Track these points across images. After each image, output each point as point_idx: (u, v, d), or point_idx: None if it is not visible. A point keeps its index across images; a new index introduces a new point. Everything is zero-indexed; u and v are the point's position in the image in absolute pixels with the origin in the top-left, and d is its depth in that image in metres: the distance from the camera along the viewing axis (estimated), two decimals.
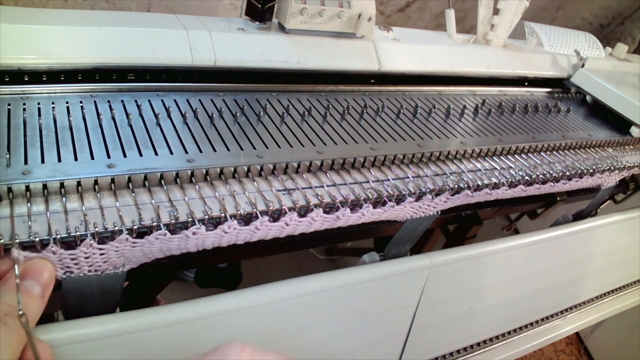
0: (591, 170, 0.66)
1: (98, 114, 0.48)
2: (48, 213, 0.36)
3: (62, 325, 0.38)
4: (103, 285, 0.39)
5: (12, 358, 0.28)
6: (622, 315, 1.02)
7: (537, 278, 0.78)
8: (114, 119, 0.48)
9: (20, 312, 0.28)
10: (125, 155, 0.43)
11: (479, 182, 0.55)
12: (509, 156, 0.63)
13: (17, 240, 0.33)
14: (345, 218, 0.47)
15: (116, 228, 0.36)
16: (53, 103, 0.48)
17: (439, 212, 0.55)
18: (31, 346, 0.29)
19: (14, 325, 0.29)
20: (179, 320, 0.43)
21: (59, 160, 0.41)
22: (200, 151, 0.47)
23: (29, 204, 0.37)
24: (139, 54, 0.54)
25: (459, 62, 0.80)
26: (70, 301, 0.39)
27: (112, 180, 0.40)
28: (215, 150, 0.47)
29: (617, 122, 0.82)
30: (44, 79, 0.50)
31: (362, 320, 0.57)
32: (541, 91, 0.89)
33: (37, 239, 0.34)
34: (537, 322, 0.86)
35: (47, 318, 0.37)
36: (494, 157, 0.62)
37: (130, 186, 0.41)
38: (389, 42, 0.74)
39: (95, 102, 0.50)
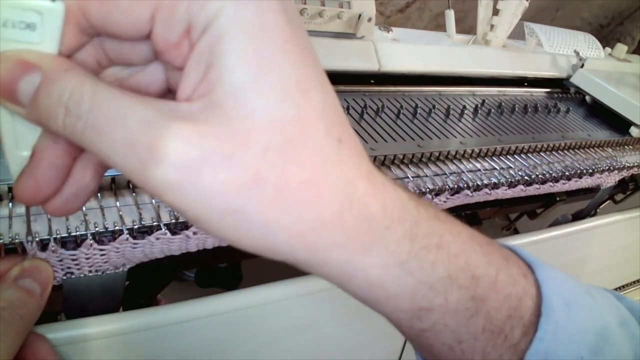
0: (590, 170, 0.66)
1: None
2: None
3: (62, 325, 0.38)
4: (104, 286, 0.39)
5: (8, 352, 0.28)
6: None
7: None
8: None
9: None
10: None
11: (479, 182, 0.55)
12: (508, 156, 0.64)
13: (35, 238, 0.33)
14: None
15: (116, 228, 0.36)
16: None
17: None
18: None
19: (11, 319, 0.29)
20: (179, 320, 0.43)
21: None
22: None
23: None
24: None
25: (458, 62, 0.80)
26: (72, 305, 0.39)
27: (113, 180, 0.40)
28: None
29: (617, 122, 0.82)
30: None
31: (362, 320, 0.57)
32: (541, 91, 0.89)
33: (37, 239, 0.34)
34: None
35: (49, 318, 0.37)
36: (494, 157, 0.62)
37: (131, 186, 0.41)
38: (389, 42, 0.74)
39: None
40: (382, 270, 0.20)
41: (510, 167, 0.61)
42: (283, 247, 0.19)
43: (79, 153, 0.20)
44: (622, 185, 0.87)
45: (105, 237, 0.37)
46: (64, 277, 0.36)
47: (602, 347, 0.24)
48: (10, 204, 0.36)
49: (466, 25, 1.39)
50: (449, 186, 0.53)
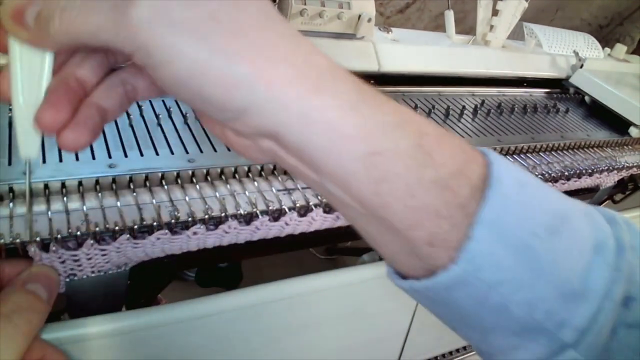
0: (590, 171, 0.66)
1: None
2: (49, 213, 0.37)
3: (64, 324, 0.38)
4: (106, 286, 0.39)
5: (16, 354, 0.28)
6: None
7: None
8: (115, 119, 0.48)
9: None
10: (126, 156, 0.44)
11: None
12: (508, 156, 0.64)
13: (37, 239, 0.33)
14: None
15: (117, 228, 0.37)
16: None
17: None
18: None
19: (20, 322, 0.29)
20: (179, 320, 0.43)
21: (60, 160, 0.41)
22: (201, 151, 0.47)
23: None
24: None
25: (458, 62, 0.80)
26: (76, 306, 0.39)
27: (114, 180, 0.41)
28: (215, 151, 0.48)
29: (616, 123, 0.82)
30: None
31: (362, 319, 0.58)
32: (540, 92, 0.89)
33: (38, 239, 0.34)
34: None
35: (53, 317, 0.37)
36: None
37: (132, 186, 0.41)
38: (388, 43, 0.74)
39: None
40: (335, 111, 0.22)
41: None
42: (243, 82, 0.21)
43: (86, 91, 0.25)
44: (622, 186, 0.87)
45: (106, 237, 0.37)
46: (67, 280, 0.36)
47: (561, 227, 0.23)
48: (11, 204, 0.37)
49: (466, 26, 1.39)
50: None
